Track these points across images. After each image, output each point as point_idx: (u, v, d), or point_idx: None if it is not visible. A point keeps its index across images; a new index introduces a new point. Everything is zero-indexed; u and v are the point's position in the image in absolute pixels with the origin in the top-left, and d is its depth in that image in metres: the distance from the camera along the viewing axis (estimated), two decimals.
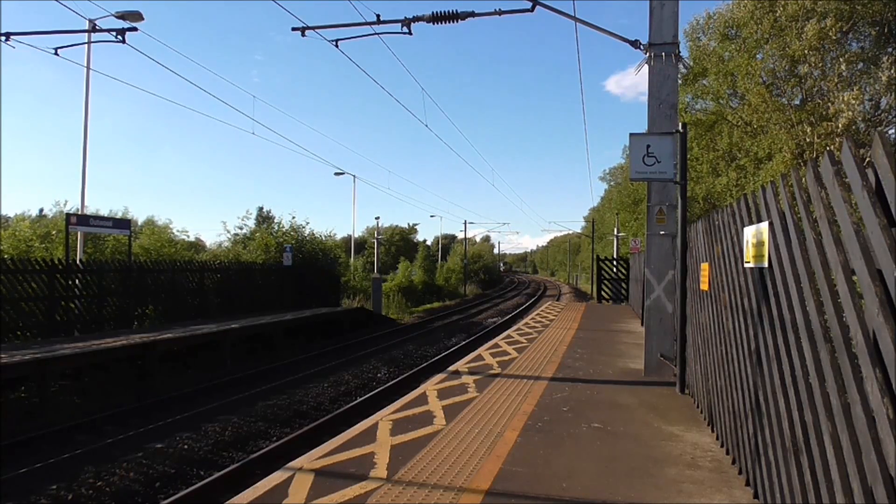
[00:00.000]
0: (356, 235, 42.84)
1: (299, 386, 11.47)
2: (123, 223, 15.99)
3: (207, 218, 37.56)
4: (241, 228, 24.21)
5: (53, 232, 16.48)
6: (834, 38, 17.78)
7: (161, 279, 15.44)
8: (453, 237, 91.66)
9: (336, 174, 32.53)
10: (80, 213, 14.68)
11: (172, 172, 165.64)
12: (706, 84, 22.86)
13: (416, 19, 9.53)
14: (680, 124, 7.26)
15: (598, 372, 8.16)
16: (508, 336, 12.09)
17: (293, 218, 24.63)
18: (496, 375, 7.73)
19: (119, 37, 11.38)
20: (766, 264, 3.38)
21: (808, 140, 18.35)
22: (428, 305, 34.48)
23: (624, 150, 44.92)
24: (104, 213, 21.83)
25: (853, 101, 17.20)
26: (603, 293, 25.14)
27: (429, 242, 77.33)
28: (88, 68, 14.44)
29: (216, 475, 6.42)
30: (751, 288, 3.80)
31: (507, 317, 25.68)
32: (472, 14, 9.44)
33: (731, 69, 20.68)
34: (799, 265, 2.81)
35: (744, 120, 20.95)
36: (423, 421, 5.50)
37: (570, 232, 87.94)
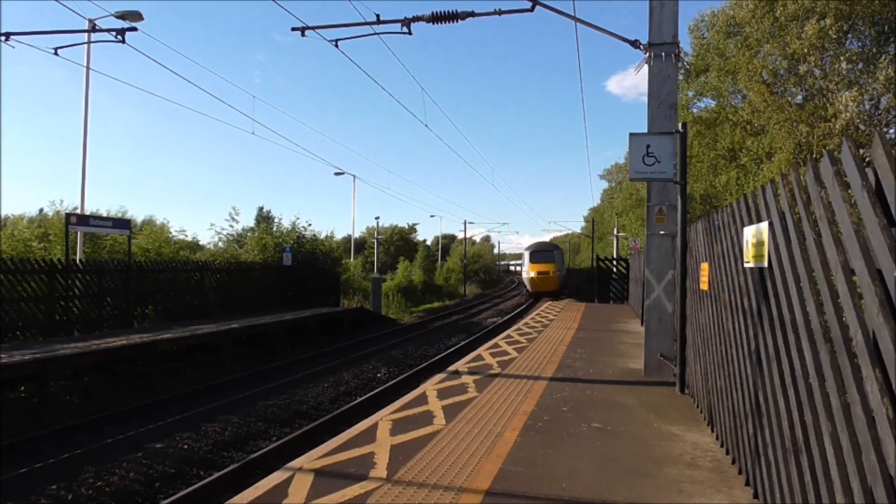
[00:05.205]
0: (356, 235, 42.86)
1: (299, 386, 11.47)
2: (123, 223, 15.97)
3: (207, 218, 37.70)
4: (231, 226, 23.85)
5: (52, 232, 16.45)
6: (833, 37, 17.77)
7: (161, 279, 15.45)
8: (453, 237, 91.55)
9: (336, 174, 32.56)
10: (79, 213, 14.68)
11: (172, 172, 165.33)
12: (708, 81, 22.86)
13: (416, 19, 9.54)
14: (680, 124, 7.27)
15: (598, 372, 8.16)
16: (508, 336, 12.10)
17: (296, 219, 24.50)
18: (496, 375, 7.73)
19: (119, 37, 11.39)
20: (765, 264, 3.38)
21: (806, 140, 18.34)
22: (428, 305, 34.46)
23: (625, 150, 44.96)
24: (102, 213, 21.73)
25: (851, 103, 17.18)
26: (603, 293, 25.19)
27: (428, 242, 77.25)
28: (88, 68, 14.46)
29: (216, 475, 6.42)
30: (751, 288, 3.80)
31: (507, 317, 25.66)
32: (472, 14, 9.45)
33: (732, 67, 20.69)
34: (799, 265, 2.81)
35: (745, 119, 20.95)
36: (422, 421, 5.51)
37: (570, 232, 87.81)
